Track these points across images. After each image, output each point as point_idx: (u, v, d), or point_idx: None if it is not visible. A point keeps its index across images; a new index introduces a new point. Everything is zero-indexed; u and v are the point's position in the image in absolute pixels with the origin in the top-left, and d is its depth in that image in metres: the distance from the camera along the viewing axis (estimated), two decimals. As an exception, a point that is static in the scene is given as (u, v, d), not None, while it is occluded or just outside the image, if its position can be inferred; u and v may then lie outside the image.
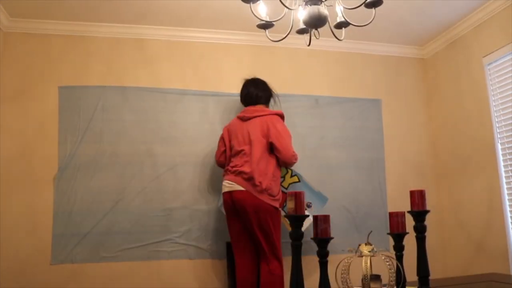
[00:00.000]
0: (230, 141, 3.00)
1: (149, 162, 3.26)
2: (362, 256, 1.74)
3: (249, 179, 2.75)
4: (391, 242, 1.92)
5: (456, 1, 3.11)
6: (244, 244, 2.88)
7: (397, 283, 1.79)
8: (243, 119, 2.99)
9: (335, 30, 2.18)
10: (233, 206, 2.81)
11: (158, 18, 3.29)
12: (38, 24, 3.23)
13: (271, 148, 2.87)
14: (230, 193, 2.81)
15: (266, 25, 2.15)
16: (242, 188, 2.76)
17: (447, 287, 2.22)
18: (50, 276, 2.98)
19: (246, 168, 2.78)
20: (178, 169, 3.29)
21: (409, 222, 1.89)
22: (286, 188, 3.08)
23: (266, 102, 3.12)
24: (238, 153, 2.88)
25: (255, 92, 3.05)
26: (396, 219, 1.87)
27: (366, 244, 1.75)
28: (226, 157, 3.02)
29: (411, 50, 3.90)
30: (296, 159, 2.89)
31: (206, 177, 3.33)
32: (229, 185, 2.82)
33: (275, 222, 2.80)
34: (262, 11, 2.12)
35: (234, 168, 2.84)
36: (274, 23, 2.14)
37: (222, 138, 3.08)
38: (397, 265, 1.78)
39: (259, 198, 2.73)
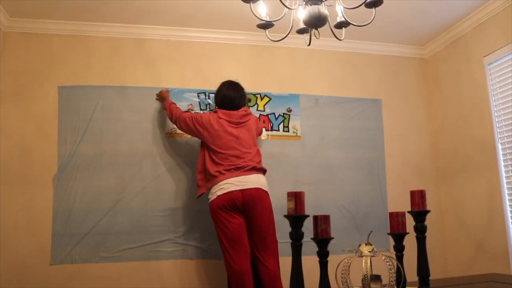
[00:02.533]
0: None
1: (149, 162, 3.25)
2: (362, 256, 1.74)
3: None
4: (391, 242, 1.92)
5: (457, 1, 3.11)
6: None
7: (397, 283, 1.79)
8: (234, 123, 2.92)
9: (335, 30, 2.18)
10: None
11: (158, 18, 3.28)
12: (38, 24, 3.23)
13: None
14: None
15: (266, 25, 2.14)
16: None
17: (447, 288, 2.22)
18: (50, 276, 2.97)
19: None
20: (178, 169, 3.28)
21: (410, 222, 1.89)
22: (264, 110, 3.47)
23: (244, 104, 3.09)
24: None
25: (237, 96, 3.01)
26: (396, 219, 1.88)
27: (366, 244, 1.75)
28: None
29: (411, 50, 3.90)
30: None
31: (206, 177, 3.32)
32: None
33: None
34: (262, 11, 2.12)
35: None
36: (274, 23, 2.13)
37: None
38: (397, 265, 1.78)
39: None
